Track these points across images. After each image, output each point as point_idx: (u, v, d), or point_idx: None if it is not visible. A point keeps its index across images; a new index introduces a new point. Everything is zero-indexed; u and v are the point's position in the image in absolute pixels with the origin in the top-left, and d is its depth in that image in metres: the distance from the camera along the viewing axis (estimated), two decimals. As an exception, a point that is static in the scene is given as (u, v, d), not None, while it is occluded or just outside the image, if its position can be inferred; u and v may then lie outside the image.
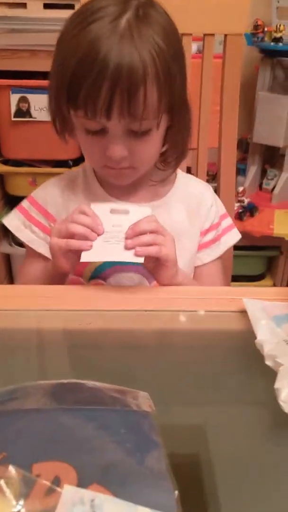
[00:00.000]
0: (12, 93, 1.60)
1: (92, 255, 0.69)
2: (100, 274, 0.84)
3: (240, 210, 1.87)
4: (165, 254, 0.71)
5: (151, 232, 0.71)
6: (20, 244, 1.85)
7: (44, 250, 0.83)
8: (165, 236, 0.72)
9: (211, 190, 0.92)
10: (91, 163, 0.83)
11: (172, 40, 0.70)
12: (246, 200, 1.92)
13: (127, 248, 0.69)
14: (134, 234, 0.70)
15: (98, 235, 0.70)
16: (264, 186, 2.00)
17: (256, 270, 2.02)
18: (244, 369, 0.58)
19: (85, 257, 0.69)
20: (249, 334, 0.59)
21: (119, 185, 0.81)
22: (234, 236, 0.92)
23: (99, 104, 0.66)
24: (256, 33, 1.85)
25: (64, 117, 0.74)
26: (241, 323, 0.63)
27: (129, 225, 0.71)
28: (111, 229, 0.71)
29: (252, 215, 1.91)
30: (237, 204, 1.84)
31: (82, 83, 0.66)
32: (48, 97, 0.75)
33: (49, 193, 0.86)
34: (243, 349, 0.60)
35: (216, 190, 1.10)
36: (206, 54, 1.09)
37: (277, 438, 0.49)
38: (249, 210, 1.90)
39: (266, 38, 1.85)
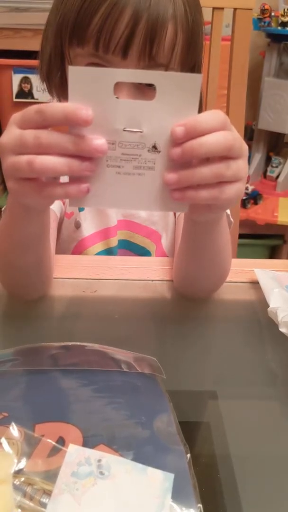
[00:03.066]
0: (14, 73, 1.57)
1: (92, 197, 0.40)
2: None
3: (244, 198, 1.85)
4: (236, 195, 0.42)
5: (220, 151, 0.39)
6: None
7: None
8: (239, 158, 0.41)
9: None
10: None
11: (199, 7, 0.62)
12: (250, 188, 1.90)
13: (168, 184, 0.39)
14: (183, 155, 0.39)
15: (97, 152, 0.38)
16: (268, 173, 1.97)
17: (259, 259, 2.00)
18: (254, 337, 0.55)
19: (76, 201, 0.41)
20: (260, 304, 0.57)
21: None
22: None
23: (115, 37, 0.53)
24: (263, 18, 1.82)
25: (60, 58, 0.61)
26: (252, 293, 0.61)
27: (162, 127, 0.39)
28: (122, 136, 0.39)
29: (256, 202, 1.89)
30: (241, 192, 1.82)
31: (98, 7, 0.53)
32: (43, 36, 0.63)
33: None
34: (253, 318, 0.58)
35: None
36: (215, 30, 1.06)
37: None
38: (253, 198, 1.88)
39: (273, 23, 1.82)
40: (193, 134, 0.38)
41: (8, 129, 0.41)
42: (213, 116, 0.40)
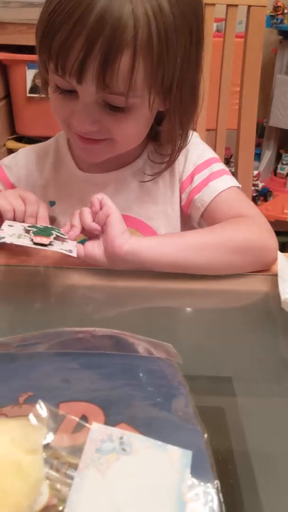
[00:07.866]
0: (28, 68, 1.59)
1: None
2: None
3: (254, 194, 1.86)
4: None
5: None
6: None
7: None
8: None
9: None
10: (61, 127, 0.68)
11: (185, 9, 0.55)
12: (261, 185, 1.91)
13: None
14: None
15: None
16: (279, 171, 1.98)
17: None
18: (270, 327, 0.57)
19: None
20: (275, 295, 0.58)
21: (89, 161, 0.70)
22: (223, 184, 0.70)
23: (70, 61, 0.54)
24: (275, 15, 1.83)
25: (43, 70, 0.62)
26: (268, 285, 0.62)
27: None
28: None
29: (266, 199, 1.90)
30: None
31: (58, 29, 0.52)
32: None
33: (16, 162, 0.78)
34: (269, 308, 0.59)
35: (234, 174, 1.08)
36: (228, 27, 1.07)
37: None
38: (263, 195, 1.89)
39: (285, 20, 1.83)
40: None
41: None
42: None
